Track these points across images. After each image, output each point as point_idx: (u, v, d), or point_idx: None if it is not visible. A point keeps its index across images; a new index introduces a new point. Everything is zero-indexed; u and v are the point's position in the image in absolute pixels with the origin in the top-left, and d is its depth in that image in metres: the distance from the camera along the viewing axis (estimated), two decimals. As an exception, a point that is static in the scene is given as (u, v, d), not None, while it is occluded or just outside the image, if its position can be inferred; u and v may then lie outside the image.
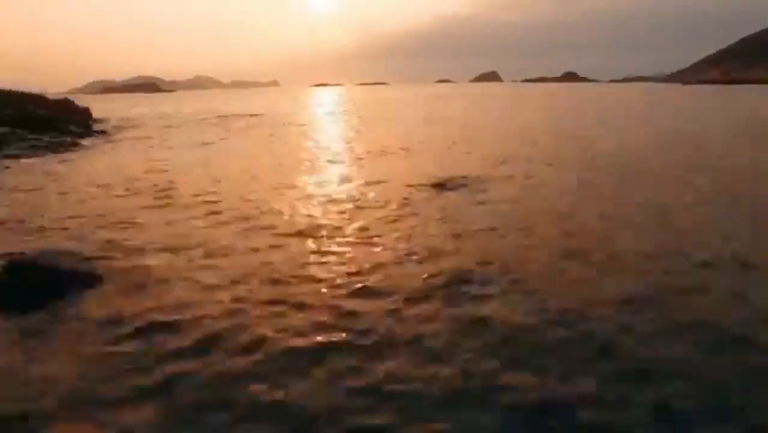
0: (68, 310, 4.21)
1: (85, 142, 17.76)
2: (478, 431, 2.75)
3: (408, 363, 3.34)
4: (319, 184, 9.64)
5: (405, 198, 8.06)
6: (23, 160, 12.96)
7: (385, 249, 5.64)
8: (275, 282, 4.73)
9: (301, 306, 4.21)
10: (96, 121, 25.29)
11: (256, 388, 3.11)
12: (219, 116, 31.02)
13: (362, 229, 6.42)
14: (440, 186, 8.84)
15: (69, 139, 17.35)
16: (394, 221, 6.80)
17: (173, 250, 5.66)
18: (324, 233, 6.30)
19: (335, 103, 52.74)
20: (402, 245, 5.73)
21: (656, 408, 2.89)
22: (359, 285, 4.61)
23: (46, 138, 16.29)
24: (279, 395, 3.04)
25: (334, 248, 5.70)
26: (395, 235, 6.15)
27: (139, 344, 3.66)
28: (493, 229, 6.33)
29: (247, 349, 3.56)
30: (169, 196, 8.48)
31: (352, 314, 4.05)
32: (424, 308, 4.12)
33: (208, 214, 7.30)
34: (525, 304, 4.20)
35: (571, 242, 5.82)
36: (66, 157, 13.91)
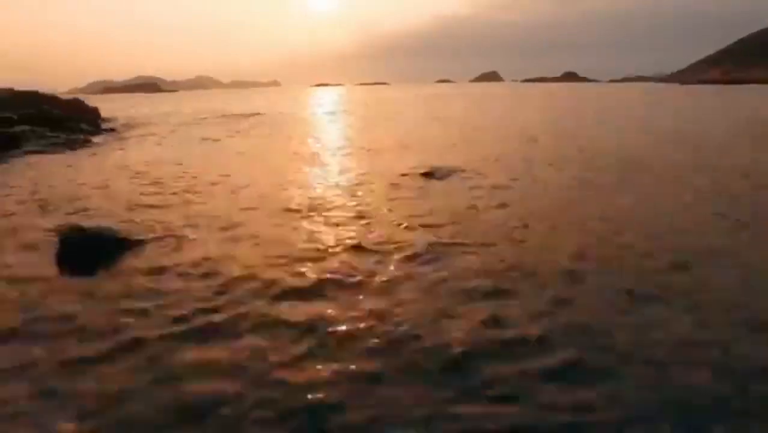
0: (119, 265, 5.25)
1: (96, 139, 18.78)
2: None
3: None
4: (322, 174, 10.70)
5: (393, 183, 9.15)
6: (47, 156, 13.95)
7: (373, 220, 6.80)
8: (282, 242, 5.90)
9: (302, 259, 5.31)
10: (104, 120, 26.33)
11: (266, 309, 4.19)
12: (221, 116, 32.01)
13: (356, 205, 7.69)
14: (430, 175, 9.82)
15: (82, 136, 18.34)
16: (390, 200, 7.96)
17: (197, 225, 6.72)
18: (324, 210, 7.42)
19: (335, 102, 53.65)
20: (389, 219, 6.84)
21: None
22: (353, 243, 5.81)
23: (63, 135, 17.31)
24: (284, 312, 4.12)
25: (331, 220, 6.86)
26: (384, 210, 7.30)
27: (177, 284, 4.72)
28: (472, 207, 7.39)
29: (259, 289, 4.61)
30: (188, 185, 9.51)
31: (345, 263, 5.22)
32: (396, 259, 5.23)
33: (224, 198, 8.40)
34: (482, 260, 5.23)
35: (551, 224, 6.45)
36: (84, 152, 14.95)
